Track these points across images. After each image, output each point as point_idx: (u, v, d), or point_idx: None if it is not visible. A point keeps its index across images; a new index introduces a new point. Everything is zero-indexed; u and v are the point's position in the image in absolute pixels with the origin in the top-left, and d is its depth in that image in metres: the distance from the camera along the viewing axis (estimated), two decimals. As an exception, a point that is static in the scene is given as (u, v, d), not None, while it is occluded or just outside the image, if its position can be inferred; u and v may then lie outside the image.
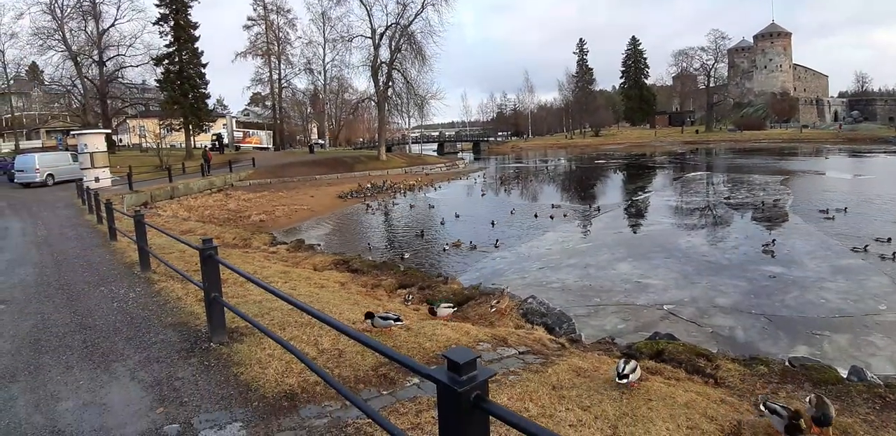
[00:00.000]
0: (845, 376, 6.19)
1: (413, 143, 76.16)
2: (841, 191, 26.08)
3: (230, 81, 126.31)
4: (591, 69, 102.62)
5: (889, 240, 14.75)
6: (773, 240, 15.63)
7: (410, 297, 9.20)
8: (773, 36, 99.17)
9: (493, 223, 18.82)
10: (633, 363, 5.10)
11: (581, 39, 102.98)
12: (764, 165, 42.80)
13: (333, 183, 35.81)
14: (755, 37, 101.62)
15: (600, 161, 53.21)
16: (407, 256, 15.30)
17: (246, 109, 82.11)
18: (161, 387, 4.59)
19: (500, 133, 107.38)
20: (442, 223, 20.20)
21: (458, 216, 20.34)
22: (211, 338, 5.61)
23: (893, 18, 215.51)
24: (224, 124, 63.66)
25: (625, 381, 5.03)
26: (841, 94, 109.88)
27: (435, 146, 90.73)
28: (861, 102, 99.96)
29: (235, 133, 64.11)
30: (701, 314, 10.07)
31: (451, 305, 7.56)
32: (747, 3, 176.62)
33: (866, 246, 14.53)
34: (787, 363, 6.36)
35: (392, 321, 6.19)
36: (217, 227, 18.93)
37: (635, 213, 22.41)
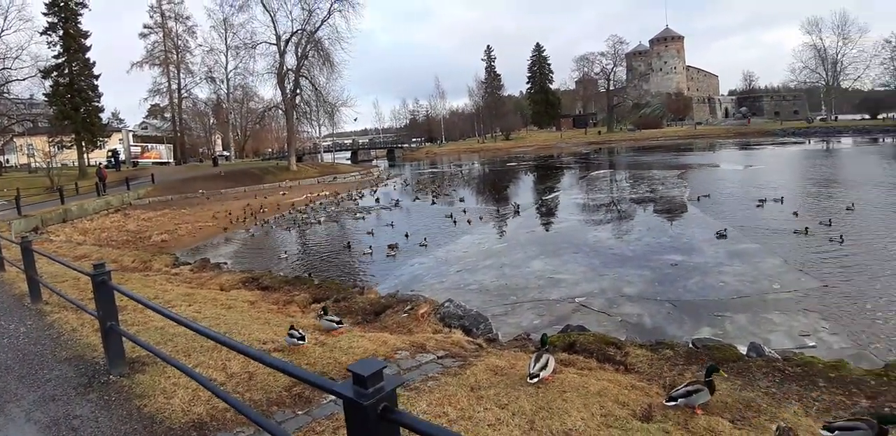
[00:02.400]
0: (745, 353, 6.62)
1: (325, 151, 74.71)
2: (735, 181, 28.29)
3: (126, 94, 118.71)
4: (500, 75, 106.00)
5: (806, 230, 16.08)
6: (725, 229, 16.39)
7: (325, 312, 8.93)
8: (668, 40, 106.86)
9: (406, 235, 18.56)
10: (543, 359, 5.20)
11: (488, 46, 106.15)
12: (663, 161, 45.70)
13: (241, 197, 34.43)
14: (651, 41, 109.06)
15: (512, 164, 54.69)
16: (322, 269, 14.97)
17: (144, 122, 76.95)
18: (59, 427, 4.20)
19: (414, 139, 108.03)
20: (370, 233, 19.79)
21: (371, 232, 20.00)
22: (110, 370, 5.20)
23: (778, 21, 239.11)
24: (120, 139, 59.39)
25: (535, 380, 5.13)
26: (731, 93, 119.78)
27: (348, 154, 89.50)
28: (749, 99, 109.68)
29: (133, 148, 60.03)
30: (610, 304, 10.52)
31: (338, 319, 7.44)
32: (643, 10, 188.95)
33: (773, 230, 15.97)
34: (690, 345, 6.73)
35: (296, 339, 5.98)
36: (115, 250, 17.66)
37: (546, 212, 23.14)
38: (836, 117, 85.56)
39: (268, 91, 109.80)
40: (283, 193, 35.54)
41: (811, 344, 8.38)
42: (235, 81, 60.46)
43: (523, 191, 30.87)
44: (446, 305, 8.52)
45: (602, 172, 40.81)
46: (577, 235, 17.60)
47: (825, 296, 10.64)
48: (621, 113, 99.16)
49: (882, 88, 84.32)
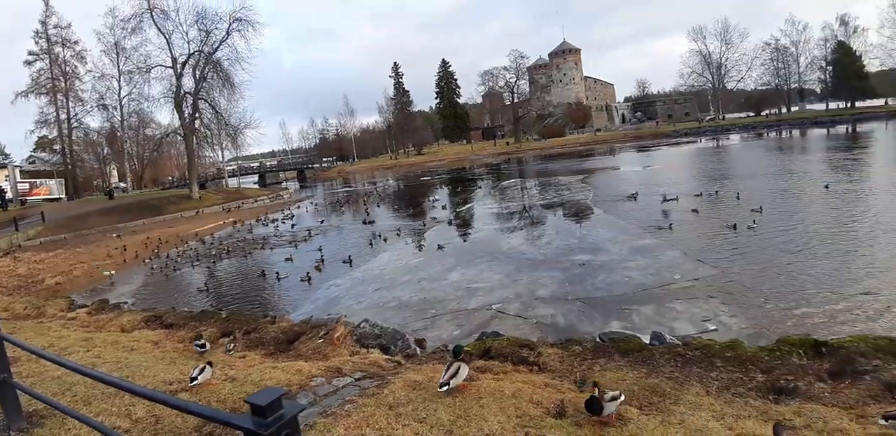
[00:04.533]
0: (648, 342, 6.98)
1: (230, 176, 71.93)
2: (634, 181, 29.97)
3: (11, 126, 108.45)
4: (408, 91, 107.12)
5: (696, 212, 17.22)
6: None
7: (233, 345, 8.56)
8: (566, 53, 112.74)
9: (321, 258, 18.14)
10: (454, 368, 5.23)
11: (396, 63, 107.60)
12: (567, 167, 47.68)
13: (140, 230, 32.36)
14: (550, 54, 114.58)
15: (426, 178, 55.10)
16: (232, 301, 14.31)
17: (32, 156, 70.59)
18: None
19: (325, 159, 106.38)
20: (288, 259, 19.07)
21: (288, 258, 19.37)
22: (9, 426, 4.74)
23: (666, 30, 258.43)
24: (6, 176, 54.30)
25: (444, 388, 5.15)
26: (626, 99, 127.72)
27: (256, 178, 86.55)
28: (643, 104, 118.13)
29: (20, 185, 54.94)
30: (525, 308, 10.81)
31: (202, 342, 7.26)
32: (542, 25, 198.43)
33: (671, 224, 17.01)
34: (597, 339, 7.03)
35: (197, 378, 5.71)
36: (5, 297, 16.17)
37: (461, 223, 23.45)
38: (724, 116, 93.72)
39: (165, 116, 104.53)
40: (186, 224, 33.76)
41: (713, 328, 8.95)
42: (130, 108, 57.06)
43: (439, 204, 31.09)
44: (362, 325, 8.41)
45: (513, 181, 42.02)
46: (491, 243, 17.95)
47: (722, 282, 11.43)
48: (527, 124, 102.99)
49: (763, 87, 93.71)
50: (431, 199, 34.38)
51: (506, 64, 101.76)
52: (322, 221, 28.28)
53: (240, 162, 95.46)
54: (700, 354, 6.40)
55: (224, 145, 57.79)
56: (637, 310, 10.26)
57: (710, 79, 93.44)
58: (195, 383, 5.72)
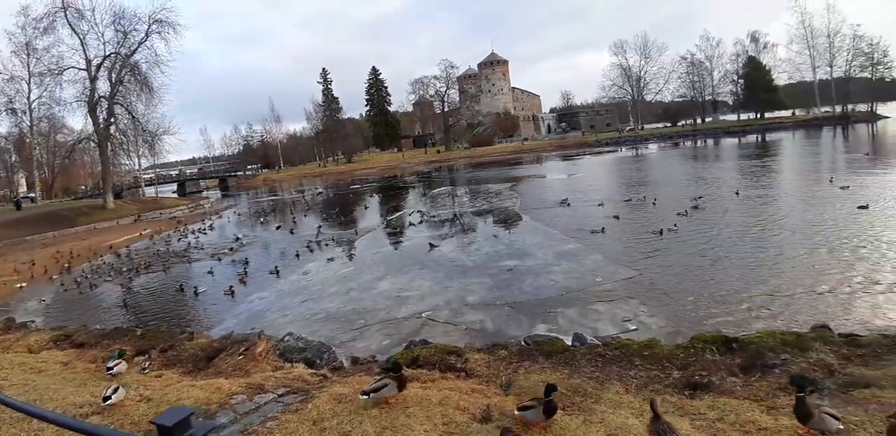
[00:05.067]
0: (570, 344, 7.16)
1: (148, 185, 68.10)
2: (560, 189, 30.90)
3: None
4: (337, 98, 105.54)
5: (602, 229, 17.83)
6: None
7: (148, 364, 8.08)
8: (494, 64, 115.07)
9: (245, 270, 17.49)
10: (381, 383, 5.18)
11: (324, 69, 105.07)
12: (496, 175, 48.50)
13: (51, 243, 30.13)
14: (479, 65, 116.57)
15: (356, 186, 54.46)
16: (149, 317, 13.51)
17: (-69, 165, 64.52)
18: None
19: (249, 166, 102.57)
20: (210, 272, 18.14)
21: (210, 271, 18.48)
22: None
23: (588, 45, 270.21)
24: None
25: (364, 398, 5.09)
26: (552, 110, 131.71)
27: (175, 187, 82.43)
28: (567, 115, 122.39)
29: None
30: (455, 314, 10.87)
31: (119, 360, 6.93)
32: (472, 36, 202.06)
33: (600, 229, 17.58)
34: (522, 343, 7.14)
35: (111, 397, 5.38)
36: None
37: (392, 231, 23.33)
38: (643, 127, 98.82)
39: (78, 122, 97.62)
40: (100, 236, 31.70)
41: (633, 328, 9.32)
42: (40, 112, 52.89)
43: (369, 212, 30.84)
44: (286, 339, 8.14)
45: (443, 188, 42.31)
46: (422, 251, 17.94)
47: (641, 284, 11.97)
48: (457, 132, 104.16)
49: (680, 99, 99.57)
50: (362, 207, 34.03)
51: (436, 73, 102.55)
52: (244, 234, 27.26)
53: (158, 170, 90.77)
54: (619, 353, 6.62)
55: (141, 152, 54.83)
56: (562, 312, 10.55)
57: (630, 91, 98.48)
58: (108, 402, 5.45)
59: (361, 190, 49.49)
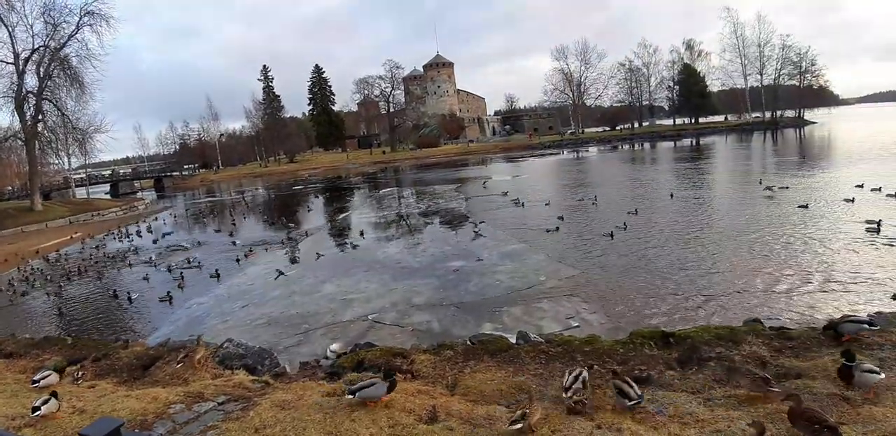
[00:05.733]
0: (515, 342, 7.24)
1: (79, 186, 64.46)
2: (506, 189, 31.12)
3: None
4: (279, 96, 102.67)
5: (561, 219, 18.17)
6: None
7: (81, 374, 7.64)
8: (439, 66, 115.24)
9: (181, 275, 16.75)
10: (369, 382, 5.17)
11: (265, 66, 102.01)
12: (442, 176, 48.74)
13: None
14: (425, 66, 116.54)
15: (298, 187, 53.41)
16: (83, 326, 12.78)
17: None
18: None
19: (186, 166, 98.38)
20: (145, 278, 17.32)
21: (145, 278, 17.62)
22: None
23: (531, 51, 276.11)
24: None
25: (37, 414, 5.13)
26: (496, 113, 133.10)
27: (108, 187, 78.23)
28: (511, 118, 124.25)
29: None
30: (402, 316, 10.86)
31: (49, 372, 6.64)
32: (417, 38, 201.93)
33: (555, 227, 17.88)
34: (468, 343, 7.18)
35: (40, 408, 5.12)
36: None
37: (337, 233, 23.02)
38: (584, 130, 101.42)
39: (4, 118, 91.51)
40: (28, 240, 29.78)
41: (575, 325, 9.58)
42: (-37, 108, 49.32)
43: (313, 214, 30.29)
44: (226, 345, 7.87)
45: (389, 189, 42.14)
46: (367, 253, 17.80)
47: (583, 282, 12.32)
48: (403, 133, 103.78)
49: (618, 104, 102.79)
50: (305, 208, 33.39)
51: (381, 73, 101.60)
52: (181, 237, 26.22)
53: (89, 170, 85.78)
54: (562, 350, 6.74)
55: (71, 151, 52.12)
56: (507, 311, 10.73)
57: (571, 96, 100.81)
58: (38, 413, 5.22)
59: (305, 191, 48.58)
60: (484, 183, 25.07)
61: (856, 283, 10.54)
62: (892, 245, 12.91)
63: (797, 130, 73.31)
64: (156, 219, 36.35)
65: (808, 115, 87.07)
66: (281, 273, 15.51)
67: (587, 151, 70.78)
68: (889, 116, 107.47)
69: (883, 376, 4.97)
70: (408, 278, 13.88)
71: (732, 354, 6.29)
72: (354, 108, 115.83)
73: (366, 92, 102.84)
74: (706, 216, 18.72)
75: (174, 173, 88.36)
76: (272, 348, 8.84)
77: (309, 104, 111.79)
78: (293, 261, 17.99)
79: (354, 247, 18.88)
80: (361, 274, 14.87)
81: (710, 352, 6.38)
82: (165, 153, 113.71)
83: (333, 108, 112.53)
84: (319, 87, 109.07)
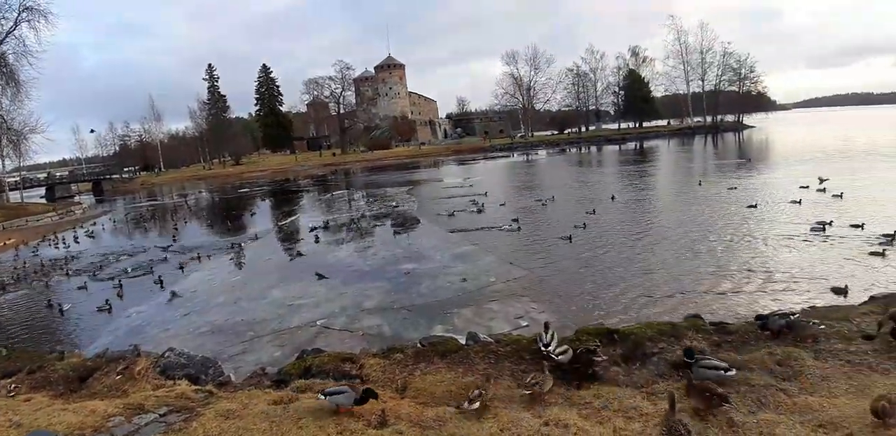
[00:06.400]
0: (465, 343, 7.29)
1: (12, 190, 60.67)
2: (459, 193, 31.52)
3: None
4: (225, 96, 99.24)
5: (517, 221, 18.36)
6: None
7: (15, 387, 7.25)
8: (391, 67, 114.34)
9: (119, 283, 15.99)
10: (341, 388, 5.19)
11: (210, 65, 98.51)
12: (394, 179, 48.47)
13: None
14: (376, 68, 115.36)
15: (245, 190, 52.02)
16: (14, 337, 12.02)
17: None
18: None
19: (126, 169, 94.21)
20: (82, 288, 16.32)
21: (83, 287, 16.69)
22: None
23: (482, 54, 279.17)
24: None
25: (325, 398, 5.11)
26: (448, 115, 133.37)
27: (44, 191, 73.88)
28: (463, 121, 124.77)
29: None
30: (352, 321, 10.75)
31: None
32: (370, 39, 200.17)
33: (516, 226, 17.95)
34: (419, 345, 7.18)
35: None
36: None
37: (285, 237, 22.60)
38: (533, 134, 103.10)
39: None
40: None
41: (525, 324, 9.75)
42: None
43: (260, 217, 29.61)
44: (167, 355, 7.60)
45: (340, 192, 41.65)
46: (317, 257, 17.54)
47: (532, 282, 12.57)
48: (354, 135, 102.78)
49: (567, 108, 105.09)
50: (252, 212, 32.59)
51: (331, 74, 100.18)
52: (121, 243, 25.12)
53: (24, 173, 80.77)
54: (511, 349, 6.82)
55: (5, 153, 49.08)
56: (458, 313, 10.82)
57: (521, 100, 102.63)
58: None
59: (251, 194, 47.40)
60: (474, 202, 25.44)
61: (797, 279, 11.19)
62: (835, 243, 13.79)
63: (736, 134, 77.14)
64: (94, 224, 34.63)
65: (747, 119, 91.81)
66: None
67: (537, 154, 72.07)
68: (822, 120, 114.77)
69: (732, 372, 5.29)
70: (358, 282, 13.76)
71: (675, 349, 6.52)
72: (303, 108, 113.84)
73: (315, 92, 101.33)
74: (654, 217, 19.42)
75: (114, 176, 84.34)
76: (216, 356, 8.59)
77: (256, 104, 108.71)
78: (239, 266, 17.52)
79: (303, 251, 18.57)
80: (309, 279, 14.61)
81: (653, 348, 6.58)
82: (105, 155, 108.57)
83: (282, 108, 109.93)
84: (267, 87, 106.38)
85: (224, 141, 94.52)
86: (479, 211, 23.44)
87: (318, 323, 10.75)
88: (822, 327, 6.46)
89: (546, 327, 6.40)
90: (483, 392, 5.16)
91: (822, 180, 22.92)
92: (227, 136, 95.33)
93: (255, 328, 10.90)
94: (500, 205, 24.58)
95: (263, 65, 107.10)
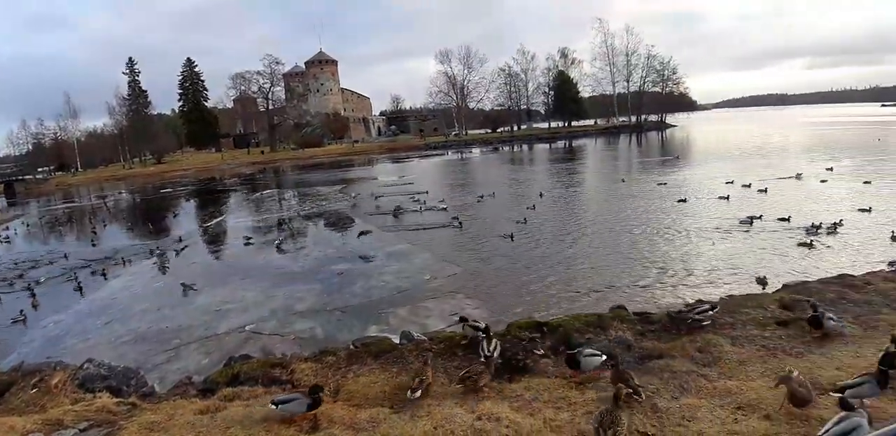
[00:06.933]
0: (399, 342, 7.33)
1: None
2: (394, 191, 31.32)
3: None
4: (146, 91, 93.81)
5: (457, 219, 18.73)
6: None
7: (-76, 407, 6.67)
8: (322, 63, 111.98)
9: (31, 291, 14.96)
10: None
11: (130, 59, 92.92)
12: (327, 177, 47.65)
13: None
14: (307, 63, 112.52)
15: (167, 190, 49.57)
16: None
17: None
18: None
19: (40, 169, 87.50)
20: None
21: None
22: None
23: (417, 52, 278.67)
24: None
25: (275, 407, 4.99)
26: (382, 113, 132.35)
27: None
28: (397, 119, 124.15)
29: None
30: (282, 325, 10.55)
31: None
32: (301, 35, 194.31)
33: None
34: (351, 347, 7.14)
35: None
36: None
37: (211, 239, 21.79)
38: (467, 132, 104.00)
39: None
40: None
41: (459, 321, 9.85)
42: None
43: (184, 219, 28.36)
44: (86, 367, 7.21)
45: (269, 191, 40.52)
46: (245, 259, 17.08)
47: (466, 279, 12.81)
48: (283, 132, 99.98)
49: (499, 108, 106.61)
50: (175, 214, 31.19)
51: (260, 69, 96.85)
52: (35, 248, 23.42)
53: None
54: (444, 346, 6.91)
55: None
56: (393, 312, 10.86)
57: (455, 98, 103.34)
58: None
59: (175, 194, 45.28)
60: (416, 199, 25.59)
61: (723, 270, 12.01)
62: (764, 235, 14.86)
63: (660, 133, 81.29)
64: (7, 228, 32.01)
65: (670, 119, 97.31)
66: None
67: (471, 152, 72.84)
68: (738, 119, 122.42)
69: (603, 357, 5.56)
70: (289, 284, 13.50)
71: (601, 339, 6.83)
72: (230, 104, 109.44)
73: (242, 87, 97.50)
74: (585, 213, 20.24)
75: (27, 177, 78.11)
76: (140, 366, 8.22)
77: (179, 100, 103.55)
78: (162, 271, 16.76)
79: (230, 254, 18.00)
80: (238, 282, 14.20)
81: (580, 339, 6.83)
82: (17, 154, 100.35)
83: (207, 104, 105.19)
84: (191, 82, 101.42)
85: (145, 138, 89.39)
86: (422, 209, 23.51)
87: (246, 328, 10.47)
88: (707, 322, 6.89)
89: (487, 331, 6.46)
90: (425, 379, 5.35)
91: (800, 175, 24.68)
92: (149, 133, 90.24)
93: (180, 336, 10.50)
94: (440, 201, 24.81)
95: (188, 58, 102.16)
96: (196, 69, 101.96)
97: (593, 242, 15.57)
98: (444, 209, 22.67)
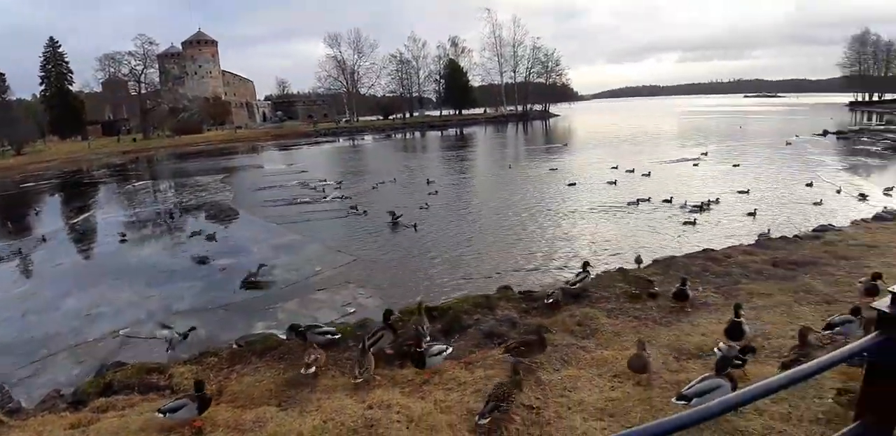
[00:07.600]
0: (285, 338, 7.17)
1: None
2: (280, 180, 30.21)
3: None
4: (3, 75, 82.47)
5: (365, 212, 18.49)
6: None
7: None
8: (201, 44, 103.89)
9: None
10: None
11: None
12: (206, 166, 44.76)
13: None
14: (183, 43, 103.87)
15: (29, 184, 44.28)
16: None
17: None
18: None
19: None
20: None
21: None
22: None
23: (305, 34, 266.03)
24: None
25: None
26: (267, 98, 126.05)
27: None
28: (284, 104, 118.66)
29: None
30: (161, 327, 9.91)
31: None
32: (175, 14, 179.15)
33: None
34: (234, 346, 6.89)
35: None
36: None
37: (78, 237, 19.87)
38: (358, 119, 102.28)
39: None
40: None
41: (351, 311, 9.94)
42: None
43: (49, 216, 25.57)
44: (-68, 386, 6.42)
45: (142, 183, 37.51)
46: (116, 257, 15.86)
47: (358, 268, 12.81)
48: (158, 118, 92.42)
49: (391, 94, 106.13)
50: (37, 210, 28.09)
51: (131, 49, 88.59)
52: None
53: None
54: (337, 338, 6.88)
55: None
56: (282, 307, 10.61)
57: (345, 84, 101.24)
58: None
59: (37, 189, 40.59)
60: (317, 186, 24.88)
61: (603, 250, 13.00)
62: (651, 215, 16.17)
63: (544, 122, 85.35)
64: None
65: (553, 108, 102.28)
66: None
67: (363, 139, 71.98)
68: (613, 109, 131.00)
69: (449, 350, 5.83)
70: (167, 283, 12.72)
71: (489, 319, 7.13)
72: (98, 88, 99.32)
73: (112, 69, 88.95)
74: (478, 198, 20.88)
75: None
76: (4, 381, 7.44)
77: (41, 84, 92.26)
78: (25, 274, 15.12)
79: (99, 252, 16.58)
80: (109, 283, 13.13)
81: (469, 320, 7.14)
82: None
83: (72, 88, 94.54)
84: (54, 64, 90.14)
85: (2, 126, 79.05)
86: (318, 199, 22.99)
87: (120, 333, 9.74)
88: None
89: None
90: (319, 357, 5.53)
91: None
92: (6, 120, 79.81)
93: (47, 345, 9.56)
94: (336, 188, 24.40)
95: (51, 38, 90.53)
96: (60, 50, 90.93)
97: (485, 227, 16.15)
98: (342, 198, 22.25)
